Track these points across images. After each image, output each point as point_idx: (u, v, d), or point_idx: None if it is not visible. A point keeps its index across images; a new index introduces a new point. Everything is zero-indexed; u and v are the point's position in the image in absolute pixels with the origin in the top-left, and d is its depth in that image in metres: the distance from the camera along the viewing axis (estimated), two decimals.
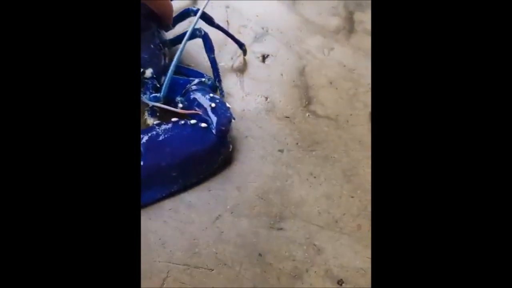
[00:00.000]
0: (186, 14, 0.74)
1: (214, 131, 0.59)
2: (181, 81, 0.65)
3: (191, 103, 0.62)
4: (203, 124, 0.59)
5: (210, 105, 0.61)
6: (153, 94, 0.60)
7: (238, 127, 0.68)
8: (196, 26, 0.67)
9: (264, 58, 0.78)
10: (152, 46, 0.66)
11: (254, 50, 0.79)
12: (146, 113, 0.62)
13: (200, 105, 0.61)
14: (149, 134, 0.58)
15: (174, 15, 0.72)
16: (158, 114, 0.62)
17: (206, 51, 0.70)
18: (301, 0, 0.87)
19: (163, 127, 0.60)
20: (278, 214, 0.59)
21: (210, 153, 0.60)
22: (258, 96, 0.72)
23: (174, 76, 0.63)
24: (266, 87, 0.74)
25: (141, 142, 0.58)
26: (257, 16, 0.84)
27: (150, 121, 0.61)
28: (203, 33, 0.69)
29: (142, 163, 0.56)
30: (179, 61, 0.64)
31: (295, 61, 0.78)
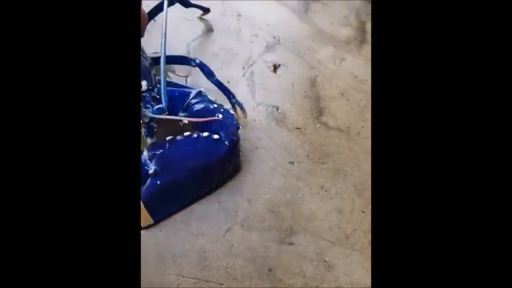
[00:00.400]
0: (161, 7, 0.70)
1: (226, 142, 0.59)
2: (177, 93, 0.63)
3: (197, 117, 0.60)
4: (216, 136, 0.58)
5: (218, 116, 0.60)
6: (156, 107, 0.57)
7: (248, 137, 0.68)
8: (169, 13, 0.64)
9: (275, 67, 0.77)
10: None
11: (266, 59, 0.78)
12: (143, 133, 0.58)
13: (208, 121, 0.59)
14: (163, 151, 0.57)
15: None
16: (155, 130, 0.59)
17: (207, 77, 0.68)
18: (313, 10, 0.87)
19: (176, 141, 0.58)
20: (288, 228, 0.59)
21: (222, 163, 0.60)
22: (269, 106, 0.72)
23: (168, 88, 0.59)
24: (277, 97, 0.73)
25: (156, 160, 0.56)
26: (268, 25, 0.83)
27: (149, 141, 0.59)
28: (198, 62, 0.67)
29: (158, 182, 0.55)
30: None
31: (307, 71, 0.78)
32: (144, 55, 0.64)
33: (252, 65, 0.77)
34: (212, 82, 0.68)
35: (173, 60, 0.68)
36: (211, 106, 0.61)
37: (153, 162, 0.56)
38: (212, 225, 0.58)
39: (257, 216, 0.60)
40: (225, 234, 0.58)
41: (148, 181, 0.55)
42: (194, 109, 0.61)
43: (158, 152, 0.57)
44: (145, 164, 0.55)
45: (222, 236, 0.57)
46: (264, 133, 0.69)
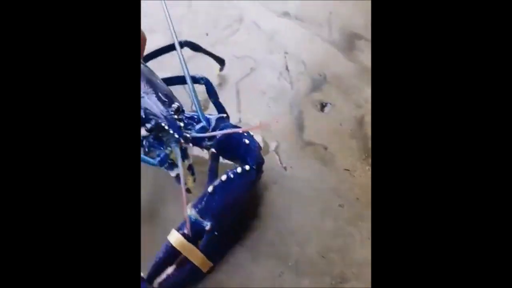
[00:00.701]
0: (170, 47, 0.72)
1: (254, 166, 0.59)
2: (195, 116, 0.61)
3: (223, 144, 0.60)
4: (247, 167, 0.59)
5: (245, 142, 0.60)
6: (198, 126, 0.57)
7: (297, 178, 0.69)
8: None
9: (322, 106, 0.78)
10: (158, 81, 0.62)
11: (313, 98, 0.79)
12: (178, 158, 0.54)
13: (233, 145, 0.60)
14: (210, 204, 0.56)
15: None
16: (188, 152, 0.58)
17: (209, 96, 0.68)
18: (358, 47, 0.88)
19: (218, 189, 0.56)
20: (339, 275, 0.59)
21: (254, 185, 0.63)
22: (317, 146, 0.73)
23: (188, 113, 0.60)
24: (325, 137, 0.74)
25: (208, 215, 0.55)
26: (315, 62, 0.85)
27: (186, 162, 0.57)
28: (205, 80, 0.68)
29: (216, 233, 0.55)
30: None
31: (354, 110, 0.78)
32: (159, 80, 0.63)
33: (299, 103, 0.79)
34: (213, 102, 0.68)
35: (181, 80, 0.66)
36: (229, 130, 0.60)
37: (206, 218, 0.55)
38: (264, 268, 0.59)
39: (309, 261, 0.60)
40: (277, 278, 0.58)
41: (205, 235, 0.55)
42: (217, 137, 0.59)
43: (204, 206, 0.55)
44: (198, 222, 0.55)
45: (274, 280, 0.58)
46: (314, 174, 0.69)
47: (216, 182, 0.57)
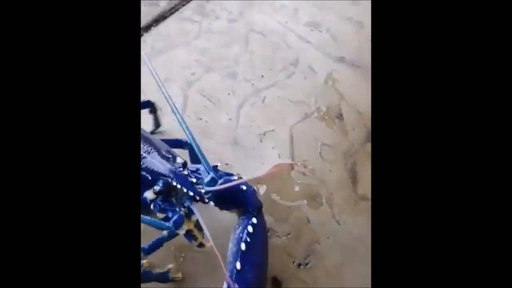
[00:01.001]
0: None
1: (255, 212, 0.59)
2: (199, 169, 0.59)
3: (221, 195, 0.57)
4: (254, 220, 0.58)
5: (242, 189, 0.59)
6: (207, 179, 0.55)
7: (350, 233, 0.68)
8: None
9: None
10: (153, 137, 0.61)
11: (367, 149, 0.79)
12: (198, 216, 0.52)
13: (231, 194, 0.58)
14: (245, 276, 0.55)
15: None
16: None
17: (192, 160, 0.66)
18: None
19: (244, 261, 0.55)
20: None
21: (267, 230, 0.63)
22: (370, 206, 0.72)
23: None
24: None
25: (250, 286, 0.55)
26: (370, 111, 0.84)
27: (193, 219, 0.54)
28: (189, 144, 0.62)
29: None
30: None
31: None
32: (153, 136, 0.63)
33: (353, 154, 0.78)
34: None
35: (169, 143, 0.64)
36: (231, 179, 0.58)
37: None
38: None
39: None
40: None
41: None
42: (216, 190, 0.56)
43: (242, 283, 0.54)
44: None
45: None
46: (367, 230, 0.68)
47: (239, 256, 0.56)
